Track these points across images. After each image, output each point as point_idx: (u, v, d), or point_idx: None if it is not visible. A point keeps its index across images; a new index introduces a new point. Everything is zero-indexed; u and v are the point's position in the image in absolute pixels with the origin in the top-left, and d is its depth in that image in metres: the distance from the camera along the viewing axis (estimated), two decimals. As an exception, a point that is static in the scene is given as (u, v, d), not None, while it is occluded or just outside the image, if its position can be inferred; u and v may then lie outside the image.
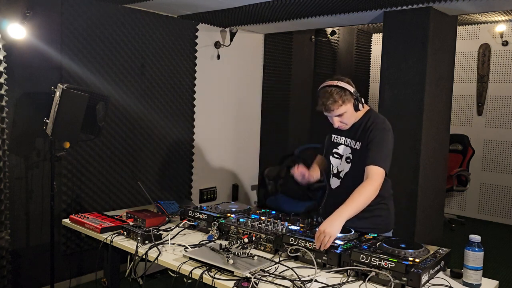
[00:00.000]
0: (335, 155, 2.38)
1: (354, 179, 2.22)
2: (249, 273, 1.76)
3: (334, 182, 2.38)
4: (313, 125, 5.66)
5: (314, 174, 2.54)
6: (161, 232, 2.33)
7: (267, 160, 5.25)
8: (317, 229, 2.02)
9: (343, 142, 2.35)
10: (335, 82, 2.19)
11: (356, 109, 2.23)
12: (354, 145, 2.29)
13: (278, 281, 1.75)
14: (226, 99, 4.78)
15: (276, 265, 1.88)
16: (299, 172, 2.45)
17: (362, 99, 2.26)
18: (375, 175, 2.12)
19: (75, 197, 3.51)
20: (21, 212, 3.26)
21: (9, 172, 3.14)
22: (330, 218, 1.99)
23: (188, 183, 4.41)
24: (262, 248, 2.11)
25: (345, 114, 2.22)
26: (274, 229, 2.17)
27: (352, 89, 2.20)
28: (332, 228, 1.93)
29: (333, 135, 2.41)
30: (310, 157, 4.97)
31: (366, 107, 2.34)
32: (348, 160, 2.31)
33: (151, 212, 2.66)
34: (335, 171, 2.37)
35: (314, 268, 1.81)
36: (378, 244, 1.94)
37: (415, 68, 3.62)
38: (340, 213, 2.01)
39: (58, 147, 3.20)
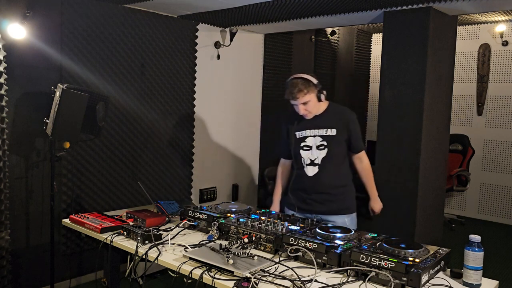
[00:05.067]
0: (304, 148, 2.65)
1: (333, 161, 2.60)
2: (249, 273, 1.76)
3: (311, 170, 2.63)
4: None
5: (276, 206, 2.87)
6: (161, 232, 2.33)
7: (267, 160, 5.25)
8: (317, 229, 2.13)
9: (309, 134, 2.63)
10: (300, 75, 2.53)
11: (319, 99, 2.55)
12: (326, 132, 2.59)
13: (278, 281, 1.74)
14: (226, 99, 4.78)
15: (276, 265, 1.88)
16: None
17: (324, 91, 2.58)
18: (365, 157, 2.70)
19: (75, 197, 3.51)
20: (21, 212, 3.26)
21: (9, 172, 3.14)
22: (374, 199, 2.77)
23: (188, 183, 4.41)
24: (262, 248, 2.11)
25: (309, 103, 2.53)
26: (274, 229, 2.17)
27: (315, 81, 2.53)
28: (379, 203, 2.79)
29: (296, 133, 2.67)
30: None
31: (327, 101, 2.66)
32: (322, 147, 2.60)
33: (151, 212, 2.66)
34: (308, 162, 2.64)
35: (314, 268, 1.81)
36: (378, 244, 1.94)
37: (415, 68, 3.62)
38: (374, 193, 2.77)
39: (58, 147, 3.21)
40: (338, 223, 2.48)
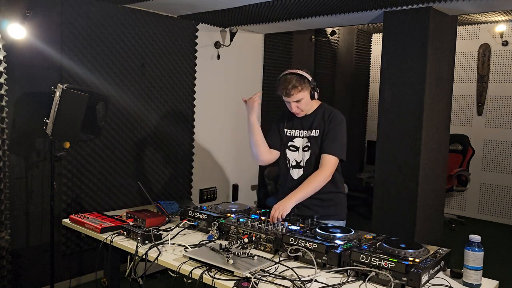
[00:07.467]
0: (291, 148, 2.54)
1: (315, 164, 2.44)
2: (249, 273, 1.76)
3: (297, 173, 2.52)
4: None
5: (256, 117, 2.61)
6: (161, 232, 2.33)
7: (267, 160, 5.24)
8: (317, 229, 2.10)
9: (298, 135, 2.53)
10: (295, 71, 2.40)
11: (312, 97, 2.44)
12: (311, 133, 2.48)
13: (278, 281, 1.74)
14: (226, 99, 4.78)
15: (276, 265, 1.88)
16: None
17: (317, 89, 2.45)
18: (329, 163, 2.39)
19: (75, 197, 3.51)
20: (21, 212, 3.27)
21: (9, 172, 3.14)
22: (284, 200, 2.32)
23: (188, 183, 4.41)
24: (262, 248, 2.11)
25: (302, 101, 2.41)
26: (274, 229, 2.17)
27: (310, 78, 2.40)
28: (284, 207, 2.28)
29: (286, 130, 2.57)
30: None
31: (319, 102, 2.54)
32: (306, 148, 2.49)
33: (151, 212, 2.66)
34: (294, 163, 2.53)
35: (314, 268, 1.81)
36: (378, 244, 1.94)
37: (415, 68, 3.62)
38: (292, 196, 2.34)
39: (58, 147, 3.20)
40: None
